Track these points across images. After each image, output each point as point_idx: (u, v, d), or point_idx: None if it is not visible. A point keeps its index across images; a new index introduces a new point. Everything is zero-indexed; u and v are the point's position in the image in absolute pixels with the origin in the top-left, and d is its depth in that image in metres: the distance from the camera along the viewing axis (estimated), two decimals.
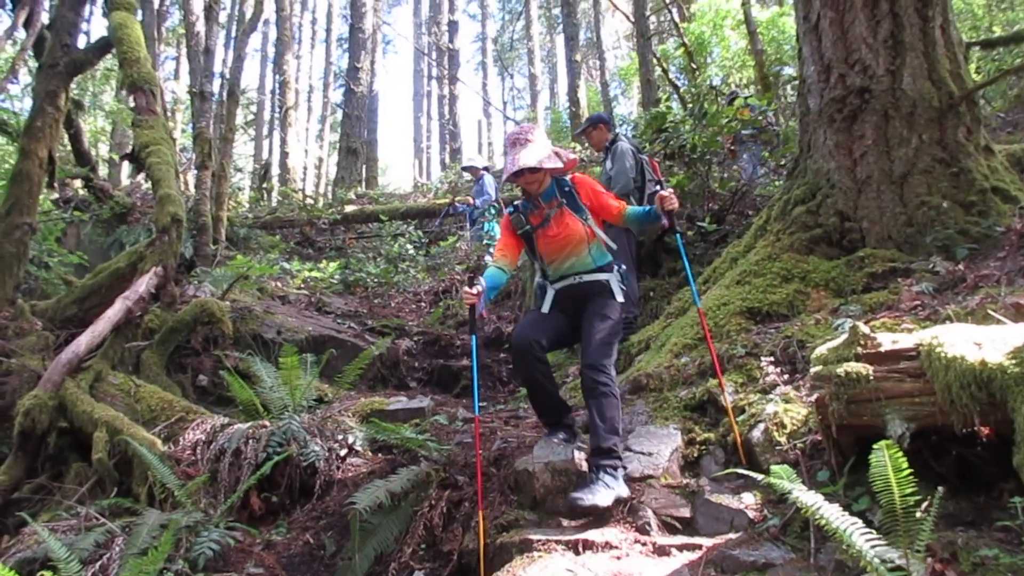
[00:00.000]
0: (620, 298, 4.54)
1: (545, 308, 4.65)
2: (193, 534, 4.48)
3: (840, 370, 3.52)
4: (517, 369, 4.54)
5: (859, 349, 3.63)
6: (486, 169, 13.71)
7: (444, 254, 13.12)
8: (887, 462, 2.62)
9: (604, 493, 3.81)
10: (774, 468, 3.13)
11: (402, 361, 8.35)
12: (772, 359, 4.75)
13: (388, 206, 16.75)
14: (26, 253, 7.77)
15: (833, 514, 2.89)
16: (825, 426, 3.63)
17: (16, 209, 7.61)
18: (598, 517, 4.03)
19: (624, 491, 3.94)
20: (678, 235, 4.79)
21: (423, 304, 10.96)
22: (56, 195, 12.79)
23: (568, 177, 4.70)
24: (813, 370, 3.70)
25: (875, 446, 2.70)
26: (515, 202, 4.75)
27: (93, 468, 5.29)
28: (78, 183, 12.90)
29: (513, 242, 4.73)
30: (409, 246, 13.84)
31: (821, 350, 3.80)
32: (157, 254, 6.60)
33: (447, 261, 12.67)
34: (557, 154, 4.53)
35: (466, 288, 4.34)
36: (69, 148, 12.42)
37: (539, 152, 4.42)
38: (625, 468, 4.20)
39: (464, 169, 15.15)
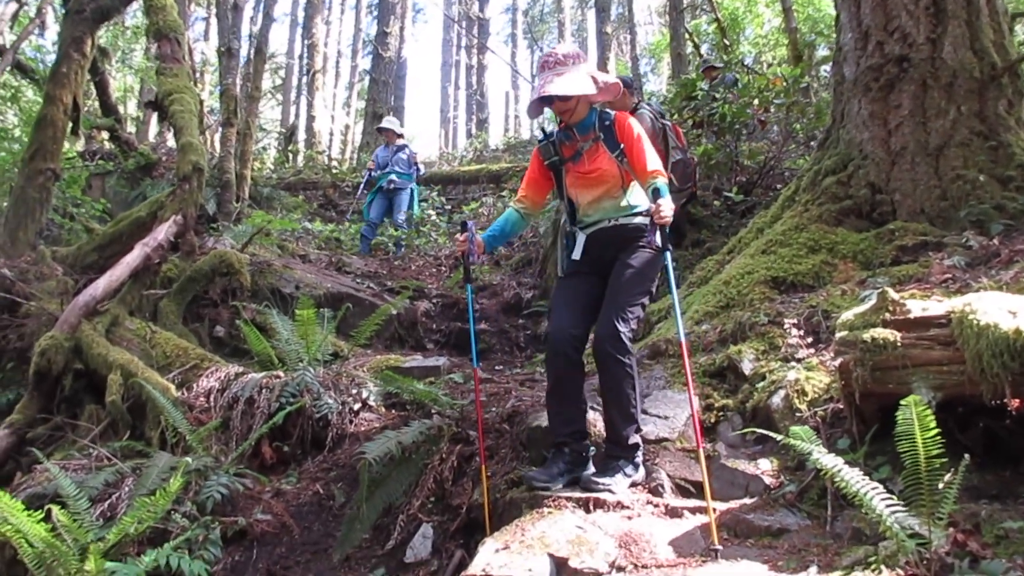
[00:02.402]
0: (659, 242, 3.74)
1: (577, 254, 4.05)
2: (202, 478, 4.47)
3: (866, 335, 3.42)
4: (547, 365, 4.01)
5: (887, 315, 3.52)
6: (400, 136, 12.41)
7: (467, 219, 13.02)
8: (914, 420, 2.52)
9: (621, 481, 3.66)
10: (793, 429, 3.04)
11: (420, 322, 8.30)
12: (795, 327, 4.64)
13: (424, 173, 16.66)
14: (49, 199, 7.79)
15: (853, 478, 2.81)
16: (848, 393, 3.54)
17: (40, 155, 7.61)
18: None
19: (640, 476, 3.77)
20: (668, 253, 3.78)
21: (443, 268, 10.88)
22: (82, 147, 12.83)
23: (612, 112, 4.09)
24: (838, 335, 3.60)
25: (902, 402, 2.61)
26: (547, 129, 4.24)
27: (107, 410, 5.30)
28: (104, 135, 12.91)
29: (540, 177, 4.21)
30: (431, 211, 13.76)
31: (847, 315, 3.70)
32: (177, 202, 6.57)
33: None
34: (594, 79, 3.92)
35: (456, 235, 4.11)
36: (96, 102, 12.47)
37: (570, 79, 3.83)
38: (640, 432, 4.12)
39: (380, 131, 13.05)
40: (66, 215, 9.80)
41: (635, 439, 3.75)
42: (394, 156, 11.93)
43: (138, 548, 4.03)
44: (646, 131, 6.92)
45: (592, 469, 3.87)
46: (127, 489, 4.34)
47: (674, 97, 8.90)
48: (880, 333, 3.40)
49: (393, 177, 11.73)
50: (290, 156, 21.37)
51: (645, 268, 3.86)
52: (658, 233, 3.70)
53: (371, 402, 5.53)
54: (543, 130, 4.25)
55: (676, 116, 8.78)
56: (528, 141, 20.25)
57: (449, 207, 14.84)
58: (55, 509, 3.67)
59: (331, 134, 30.38)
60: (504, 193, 13.78)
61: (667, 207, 3.64)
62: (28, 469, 5.02)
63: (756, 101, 8.44)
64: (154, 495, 3.77)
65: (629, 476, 3.69)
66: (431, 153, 32.56)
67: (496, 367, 7.11)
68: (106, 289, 5.98)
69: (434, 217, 13.75)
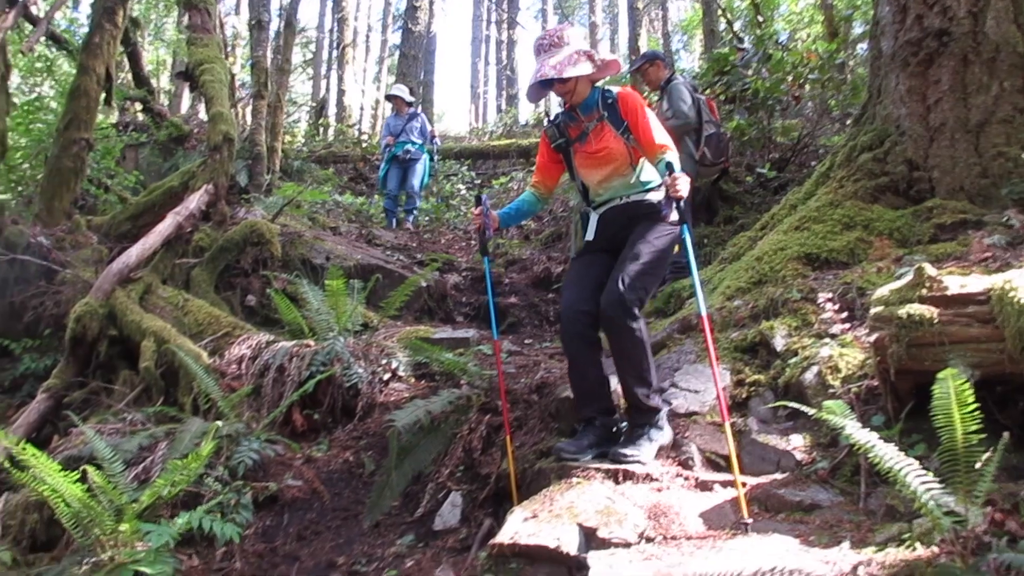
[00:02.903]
0: (674, 216, 3.75)
1: (590, 235, 4.07)
2: (234, 443, 4.53)
3: (902, 311, 3.36)
4: (562, 341, 4.01)
5: (924, 291, 3.46)
6: (410, 104, 12.06)
7: (496, 194, 12.99)
8: (951, 394, 2.47)
9: (648, 448, 3.63)
10: (827, 403, 3.01)
11: (449, 295, 8.31)
12: (830, 303, 4.56)
13: (442, 146, 16.63)
14: (83, 169, 7.86)
15: (887, 453, 2.78)
16: (883, 370, 3.49)
17: (74, 124, 7.68)
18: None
19: (667, 438, 3.75)
20: (686, 227, 3.74)
21: (472, 242, 10.88)
22: (115, 119, 12.93)
23: (616, 89, 4.03)
24: (873, 311, 3.55)
25: (939, 375, 2.56)
26: (552, 113, 4.22)
27: (140, 376, 5.38)
28: (136, 107, 13.00)
29: (550, 161, 4.22)
30: (461, 185, 13.75)
31: (883, 291, 3.64)
32: (208, 172, 6.62)
33: (500, 201, 12.56)
34: (590, 57, 3.88)
35: (472, 209, 4.11)
36: (128, 74, 12.55)
37: (566, 61, 3.79)
38: (669, 404, 4.11)
39: (389, 98, 12.59)
40: (100, 186, 9.89)
41: (654, 401, 3.73)
42: (407, 124, 11.65)
43: (171, 511, 4.09)
44: (687, 100, 6.89)
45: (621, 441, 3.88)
46: (161, 453, 4.41)
47: (706, 71, 8.78)
48: (917, 309, 3.34)
49: (409, 147, 11.49)
50: (320, 130, 21.42)
51: (656, 240, 3.80)
52: (674, 207, 3.67)
53: (400, 372, 5.56)
54: (547, 114, 4.25)
55: (708, 91, 8.67)
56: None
57: (479, 181, 14.82)
58: (91, 470, 3.72)
59: (361, 108, 30.37)
60: (534, 168, 13.72)
61: (682, 180, 3.58)
62: (65, 432, 5.12)
63: (790, 77, 8.31)
64: (187, 459, 3.82)
65: (654, 440, 3.67)
66: (461, 128, 32.53)
67: (525, 340, 7.11)
68: (139, 257, 6.05)
69: (464, 191, 13.75)
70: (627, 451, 3.58)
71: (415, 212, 11.65)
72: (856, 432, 2.84)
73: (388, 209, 11.59)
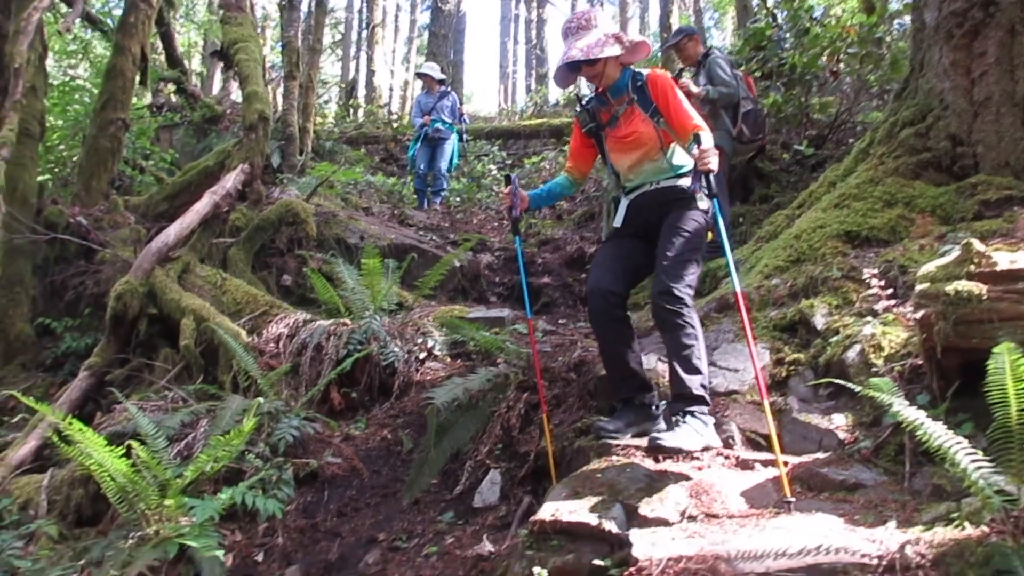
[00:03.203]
0: (703, 205, 3.71)
1: (618, 222, 3.99)
2: (274, 421, 4.58)
3: (949, 288, 3.30)
4: (591, 321, 3.94)
5: (972, 267, 3.39)
6: (441, 83, 11.82)
7: (527, 173, 12.94)
8: (1007, 369, 2.42)
9: (693, 438, 3.39)
10: (873, 381, 2.97)
11: (483, 275, 8.31)
12: (875, 280, 4.48)
13: (472, 126, 16.57)
14: (120, 148, 7.94)
15: (935, 431, 2.73)
16: (929, 348, 3.43)
17: (110, 104, 7.75)
18: None
19: (715, 441, 3.52)
20: (716, 201, 3.69)
21: (505, 222, 10.86)
22: (148, 100, 13.03)
23: (646, 71, 3.91)
24: (919, 287, 3.49)
25: (995, 350, 2.51)
26: (583, 97, 4.11)
27: (180, 354, 5.44)
28: (170, 88, 13.09)
29: (582, 147, 4.15)
30: (492, 166, 13.70)
31: (929, 267, 3.58)
32: (244, 151, 6.65)
33: (531, 181, 12.50)
34: (619, 40, 3.81)
35: (501, 188, 4.07)
36: (162, 55, 12.63)
37: (593, 43, 3.74)
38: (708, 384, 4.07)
39: (419, 76, 12.30)
40: (135, 166, 9.99)
41: (701, 391, 3.55)
42: (437, 103, 11.49)
43: (213, 486, 4.16)
44: (727, 73, 6.76)
45: (662, 425, 3.84)
46: (202, 429, 4.47)
47: (742, 47, 8.64)
48: (964, 286, 3.28)
49: (439, 126, 11.36)
50: (351, 111, 21.45)
51: (692, 227, 3.68)
52: (702, 181, 3.54)
53: (436, 351, 5.58)
54: (578, 98, 4.14)
55: (743, 67, 8.54)
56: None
57: (510, 161, 14.76)
58: (136, 446, 3.78)
59: (390, 89, 30.33)
60: (566, 148, 13.63)
61: (711, 153, 3.46)
62: (107, 409, 5.20)
63: (827, 52, 8.15)
64: (229, 435, 3.86)
65: (699, 433, 3.44)
66: (489, 109, 32.41)
67: (559, 320, 7.09)
68: (177, 236, 6.11)
69: (495, 172, 13.70)
70: (667, 440, 3.35)
71: (443, 193, 11.61)
72: (904, 410, 2.80)
73: (419, 189, 11.50)
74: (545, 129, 15.67)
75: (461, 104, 12.58)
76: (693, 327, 3.54)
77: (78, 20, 9.72)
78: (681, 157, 3.85)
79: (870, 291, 4.24)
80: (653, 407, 3.84)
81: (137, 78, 7.95)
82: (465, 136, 12.46)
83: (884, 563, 2.56)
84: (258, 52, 7.25)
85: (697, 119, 3.71)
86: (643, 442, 3.67)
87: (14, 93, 6.05)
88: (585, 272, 8.66)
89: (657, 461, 3.58)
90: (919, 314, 3.40)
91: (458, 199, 11.99)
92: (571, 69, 3.87)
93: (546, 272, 8.74)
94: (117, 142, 7.74)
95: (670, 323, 3.53)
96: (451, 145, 11.45)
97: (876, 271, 4.35)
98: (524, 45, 38.94)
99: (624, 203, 3.99)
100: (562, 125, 15.22)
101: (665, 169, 3.85)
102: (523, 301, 8.07)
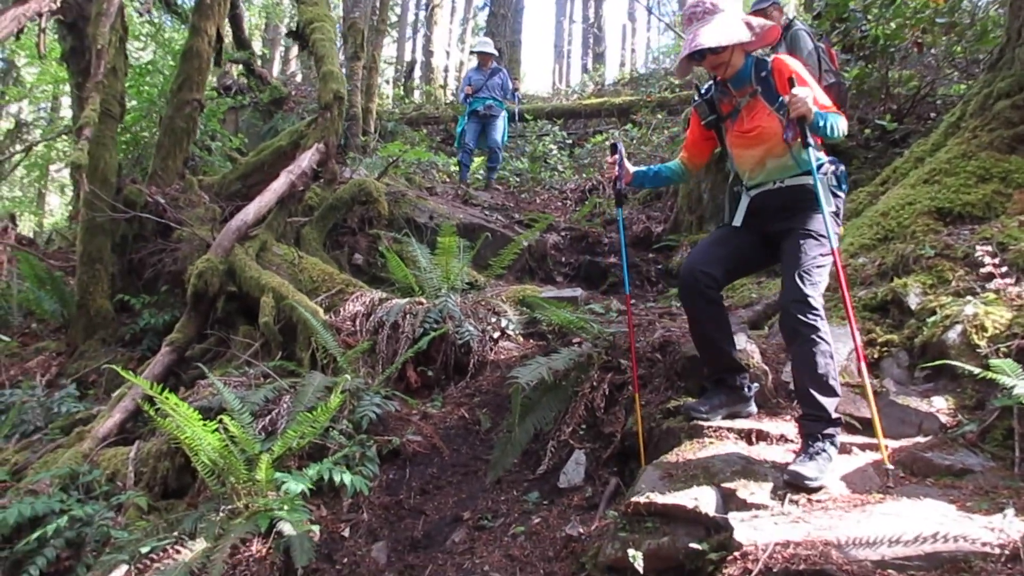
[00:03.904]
0: (831, 207, 3.42)
1: (737, 221, 3.69)
2: (355, 398, 4.59)
3: None
4: (681, 300, 3.74)
5: None
6: (496, 60, 11.52)
7: (592, 152, 12.82)
8: None
9: (825, 467, 3.10)
10: (994, 362, 2.85)
11: (549, 255, 8.26)
12: (988, 258, 4.25)
13: (529, 105, 16.44)
14: (195, 129, 8.05)
15: None
16: None
17: (187, 85, 7.84)
18: (770, 411, 3.86)
19: (830, 479, 3.13)
20: (809, 149, 3.32)
21: (568, 202, 10.79)
22: (214, 82, 13.20)
23: (771, 58, 3.59)
24: None
25: None
26: (702, 85, 3.85)
27: (259, 331, 5.49)
28: (237, 70, 13.23)
29: (700, 139, 3.88)
30: (552, 146, 13.60)
31: None
32: (319, 131, 6.67)
33: (595, 160, 12.38)
34: (748, 25, 3.52)
35: (606, 157, 3.89)
36: (230, 36, 12.76)
37: (721, 28, 3.45)
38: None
39: (475, 53, 11.84)
40: (204, 147, 10.13)
41: (838, 414, 3.28)
42: (488, 80, 11.23)
43: (298, 462, 4.19)
44: (806, 47, 6.52)
45: (754, 407, 3.78)
46: (285, 406, 4.50)
47: (823, 20, 8.38)
48: None
49: (490, 103, 11.10)
50: (409, 92, 21.50)
51: (819, 228, 3.39)
52: (795, 129, 3.28)
53: (510, 331, 5.54)
54: (697, 88, 3.86)
55: (823, 39, 8.28)
56: (650, 74, 19.66)
57: (570, 141, 14.64)
58: (227, 420, 3.82)
59: (445, 71, 30.35)
60: (628, 126, 13.48)
61: (802, 96, 3.19)
62: (190, 385, 5.28)
63: (910, 23, 7.85)
64: (315, 411, 3.89)
65: (831, 459, 3.17)
66: (544, 89, 32.20)
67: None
68: (256, 215, 6.16)
69: (555, 151, 13.60)
70: (807, 471, 3.04)
71: (497, 168, 11.49)
72: None
73: (463, 163, 11.24)
74: (606, 108, 15.48)
75: (515, 80, 12.44)
76: (828, 343, 3.24)
77: (155, 2, 9.87)
78: (809, 155, 3.41)
79: (982, 269, 4.06)
80: (745, 388, 3.73)
81: (212, 59, 8.03)
82: (518, 114, 12.34)
83: (1007, 552, 2.46)
84: (333, 32, 7.28)
85: (825, 101, 3.43)
86: (735, 424, 3.60)
87: (96, 74, 6.15)
88: (652, 252, 8.56)
89: (751, 443, 3.51)
90: None
91: (517, 179, 11.93)
92: (692, 58, 3.57)
93: (612, 252, 8.65)
94: (192, 123, 7.85)
95: (804, 337, 3.23)
96: (502, 121, 11.27)
97: (989, 248, 4.16)
98: (581, 24, 38.59)
99: (744, 201, 3.70)
100: (624, 104, 15.02)
101: (791, 167, 3.52)
102: (589, 280, 8.10)
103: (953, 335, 3.82)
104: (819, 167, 3.46)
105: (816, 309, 3.24)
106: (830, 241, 3.34)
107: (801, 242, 3.37)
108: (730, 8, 3.58)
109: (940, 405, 3.62)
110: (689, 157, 3.95)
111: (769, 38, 3.61)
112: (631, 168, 3.92)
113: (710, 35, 3.44)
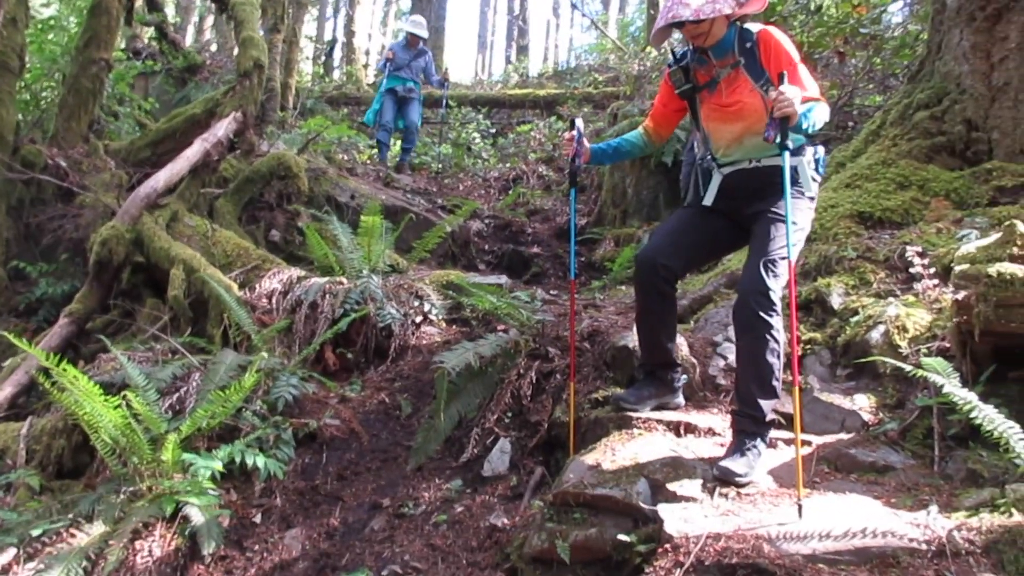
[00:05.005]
0: (811, 191, 3.31)
1: (708, 200, 3.49)
2: (271, 378, 4.39)
3: (991, 270, 3.21)
4: (636, 289, 3.59)
5: (1015, 249, 3.33)
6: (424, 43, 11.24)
7: (516, 142, 12.73)
8: None
9: (754, 464, 3.08)
10: (925, 360, 2.87)
11: (473, 242, 8.14)
12: (917, 259, 4.29)
13: (456, 92, 16.24)
14: (102, 90, 7.59)
15: (991, 415, 2.66)
16: (964, 331, 3.33)
17: (94, 43, 7.37)
18: (698, 404, 3.83)
19: (765, 457, 3.17)
20: (785, 153, 3.08)
21: (492, 190, 10.68)
22: (124, 45, 12.57)
23: (757, 28, 3.32)
24: (958, 268, 3.39)
25: None
26: (678, 51, 3.53)
27: (168, 306, 5.21)
28: (148, 34, 12.63)
29: (669, 108, 3.63)
30: (476, 134, 13.47)
31: (969, 248, 3.50)
32: (237, 99, 6.37)
33: (519, 150, 12.29)
34: None
35: (563, 132, 3.69)
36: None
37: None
38: (726, 359, 3.95)
39: (408, 33, 11.35)
40: (110, 112, 9.59)
41: (773, 416, 3.21)
42: (413, 60, 10.98)
43: (208, 443, 3.97)
44: None
45: (681, 399, 3.74)
46: (195, 384, 4.27)
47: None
48: (1007, 268, 3.20)
49: (411, 85, 10.92)
50: (328, 71, 21.02)
51: (796, 218, 3.22)
52: (778, 128, 3.02)
53: (433, 315, 5.40)
54: (673, 52, 3.59)
55: None
56: (574, 69, 19.66)
57: (494, 130, 14.53)
58: (132, 397, 3.57)
59: (367, 52, 29.84)
60: (553, 118, 13.43)
61: (786, 96, 2.95)
62: (90, 359, 4.95)
63: (832, 32, 8.00)
64: (228, 390, 3.68)
65: (762, 455, 3.14)
66: (467, 76, 32.00)
67: (551, 292, 6.94)
68: (167, 183, 5.84)
69: (479, 140, 13.48)
70: (737, 468, 3.01)
71: (413, 149, 11.33)
72: (958, 392, 2.72)
73: (382, 142, 10.90)
74: (531, 99, 15.43)
75: (445, 70, 12.29)
76: (779, 342, 3.14)
77: None
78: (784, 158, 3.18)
79: (912, 269, 4.13)
80: (674, 381, 3.69)
81: (122, 17, 7.58)
82: (446, 101, 12.20)
83: (933, 548, 2.48)
84: None
85: (814, 91, 3.22)
86: (663, 416, 3.55)
87: None
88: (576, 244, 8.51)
89: (679, 436, 3.48)
90: (960, 295, 3.30)
91: (439, 165, 11.76)
92: (671, 26, 3.31)
93: (535, 242, 8.60)
94: (99, 83, 7.38)
95: (757, 333, 3.12)
96: (418, 103, 11.12)
97: (918, 248, 4.24)
98: (506, 15, 38.51)
99: (716, 178, 3.49)
100: (549, 96, 14.97)
101: (769, 146, 3.20)
102: (512, 269, 8.00)
103: (876, 335, 3.88)
104: (799, 149, 3.32)
105: (775, 304, 3.13)
106: (803, 228, 3.33)
107: (771, 227, 3.23)
108: None
109: (863, 403, 3.67)
110: (655, 127, 3.72)
111: (753, 5, 3.29)
112: (588, 147, 3.67)
113: (693, 5, 3.18)
